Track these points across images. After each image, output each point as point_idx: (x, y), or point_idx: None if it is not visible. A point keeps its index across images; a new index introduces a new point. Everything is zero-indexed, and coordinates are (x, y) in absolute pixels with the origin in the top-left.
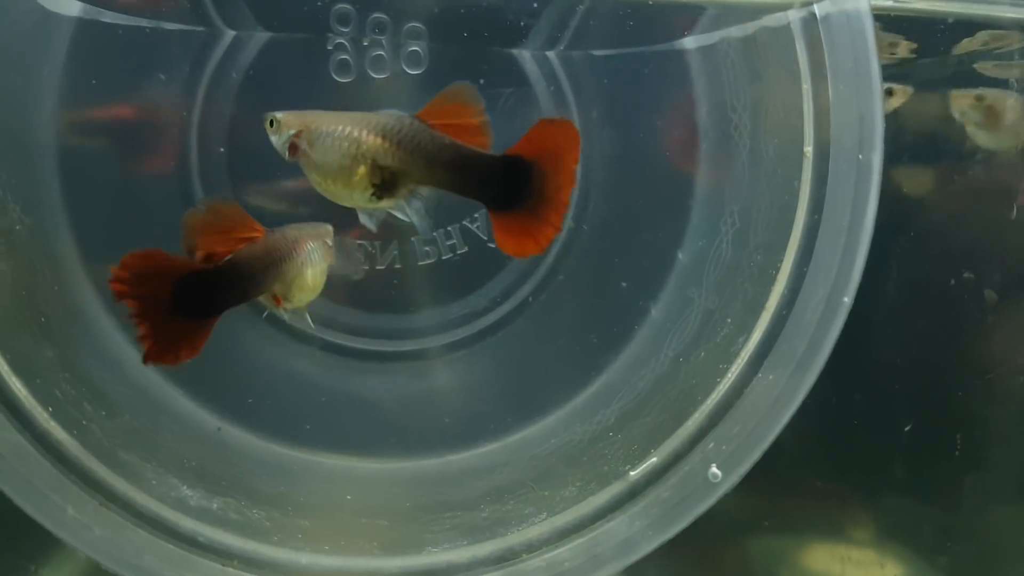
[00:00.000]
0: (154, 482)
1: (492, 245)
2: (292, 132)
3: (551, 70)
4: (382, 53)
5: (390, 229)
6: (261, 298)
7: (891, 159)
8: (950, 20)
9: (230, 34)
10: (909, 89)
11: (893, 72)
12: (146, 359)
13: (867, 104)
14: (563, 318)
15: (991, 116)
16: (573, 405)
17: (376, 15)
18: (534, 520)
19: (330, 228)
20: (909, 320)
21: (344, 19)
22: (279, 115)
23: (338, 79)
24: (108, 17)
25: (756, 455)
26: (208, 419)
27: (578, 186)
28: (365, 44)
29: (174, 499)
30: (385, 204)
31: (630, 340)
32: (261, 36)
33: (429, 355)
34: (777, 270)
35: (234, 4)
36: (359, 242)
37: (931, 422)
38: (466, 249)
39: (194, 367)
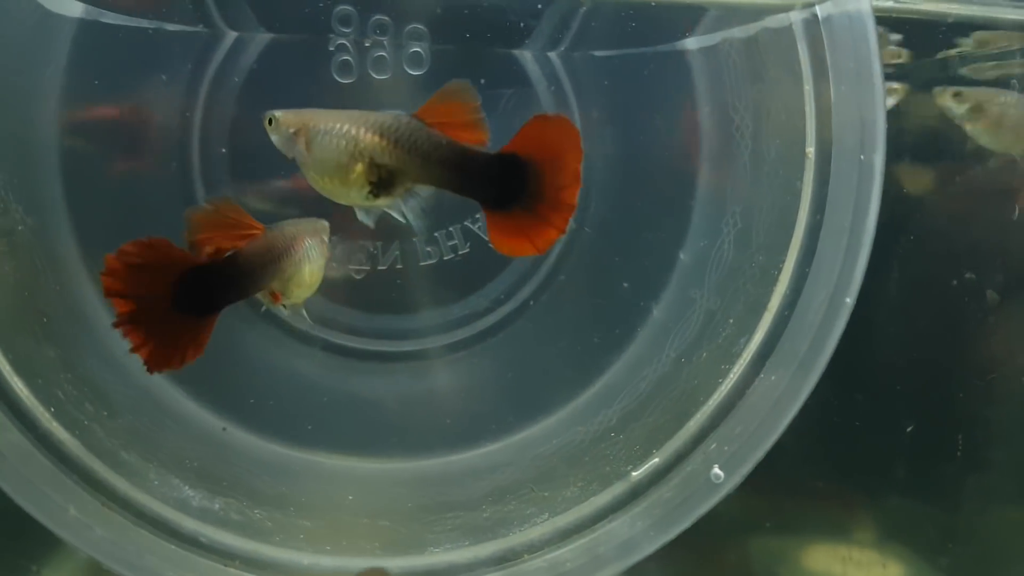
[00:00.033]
0: (156, 482)
1: None
2: (291, 130)
3: (553, 71)
4: (384, 54)
5: (392, 230)
6: (259, 295)
7: (892, 159)
8: (950, 20)
9: (232, 35)
10: (906, 87)
11: (894, 72)
12: (149, 367)
13: (869, 105)
14: (565, 319)
15: (978, 113)
16: (575, 405)
17: (378, 16)
18: (536, 520)
19: (326, 224)
20: (911, 320)
21: (346, 20)
22: (278, 114)
23: (340, 80)
24: (110, 18)
25: (758, 456)
26: (210, 420)
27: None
28: (367, 45)
29: (176, 499)
30: (382, 202)
31: (632, 340)
32: (263, 37)
33: (431, 355)
34: (779, 271)
35: (236, 5)
36: (360, 243)
37: (933, 422)
38: (468, 249)
39: (195, 368)
